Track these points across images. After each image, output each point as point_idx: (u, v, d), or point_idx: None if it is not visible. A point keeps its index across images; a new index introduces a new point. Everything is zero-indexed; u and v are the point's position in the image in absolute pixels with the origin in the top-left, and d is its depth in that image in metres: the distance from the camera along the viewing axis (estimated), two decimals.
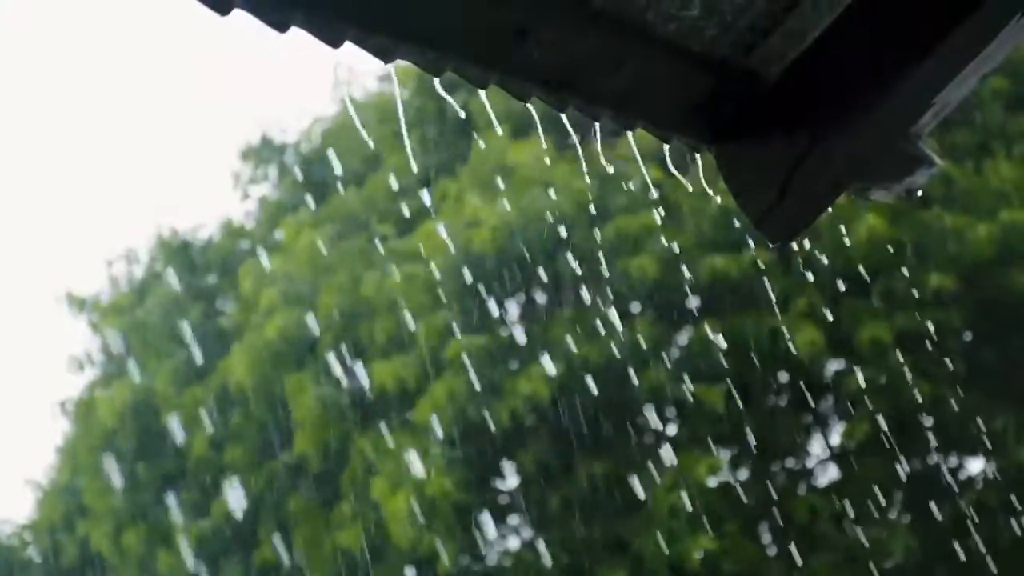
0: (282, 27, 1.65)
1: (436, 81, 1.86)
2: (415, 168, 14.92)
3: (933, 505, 12.81)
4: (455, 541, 13.08)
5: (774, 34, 2.23)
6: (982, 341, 13.17)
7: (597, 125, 2.23)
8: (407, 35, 1.78)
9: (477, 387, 12.40)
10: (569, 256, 12.81)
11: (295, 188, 16.46)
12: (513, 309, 13.87)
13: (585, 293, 12.88)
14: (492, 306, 13.15)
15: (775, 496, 13.17)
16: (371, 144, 15.52)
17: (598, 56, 2.04)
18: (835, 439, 13.64)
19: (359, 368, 13.46)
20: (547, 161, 13.21)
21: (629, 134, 2.33)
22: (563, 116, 2.16)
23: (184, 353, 15.82)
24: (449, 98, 13.28)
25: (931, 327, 12.41)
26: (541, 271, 12.83)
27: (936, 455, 13.39)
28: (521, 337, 13.24)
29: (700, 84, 2.23)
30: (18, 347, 29.63)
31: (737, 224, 11.44)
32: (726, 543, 12.33)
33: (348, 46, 1.75)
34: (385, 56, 1.78)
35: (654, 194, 13.40)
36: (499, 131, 13.52)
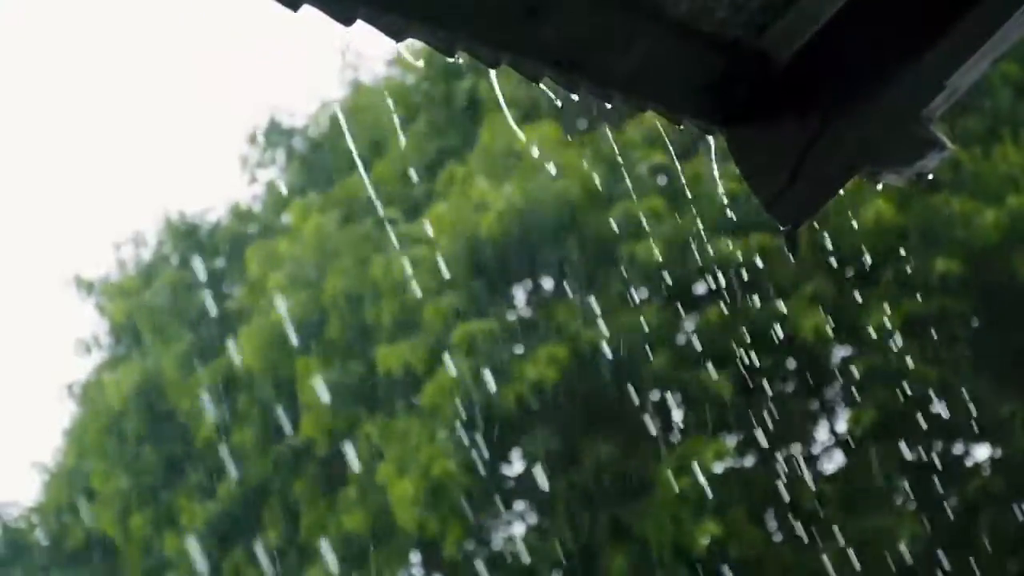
0: (294, 5, 1.65)
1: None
2: (423, 152, 14.90)
3: (939, 492, 12.81)
4: (460, 526, 13.09)
5: (786, 16, 2.23)
6: (989, 327, 13.15)
7: (607, 108, 2.23)
8: (419, 14, 1.77)
9: (484, 371, 12.41)
10: (576, 240, 12.80)
11: (303, 172, 16.46)
12: (520, 293, 13.88)
13: (592, 277, 12.88)
14: (499, 290, 13.15)
15: (781, 482, 13.17)
16: (379, 128, 15.51)
17: (609, 37, 2.03)
18: (841, 425, 13.63)
19: (366, 352, 13.48)
20: (556, 145, 13.20)
21: (640, 116, 2.33)
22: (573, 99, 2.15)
23: (191, 336, 15.84)
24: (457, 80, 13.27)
25: (938, 313, 12.40)
26: (548, 255, 12.83)
27: (942, 442, 13.38)
28: (528, 321, 13.25)
29: (711, 65, 2.23)
30: (26, 330, 29.66)
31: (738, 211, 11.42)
32: (732, 528, 12.33)
33: (359, 25, 1.74)
34: (397, 35, 1.77)
35: (661, 178, 13.38)
36: (508, 114, 13.51)
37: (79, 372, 20.08)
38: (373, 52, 16.99)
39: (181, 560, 15.19)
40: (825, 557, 12.49)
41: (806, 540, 12.62)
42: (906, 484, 13.24)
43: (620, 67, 2.09)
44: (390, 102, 15.75)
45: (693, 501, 12.14)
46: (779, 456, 13.65)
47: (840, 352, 13.37)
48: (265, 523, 14.79)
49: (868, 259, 12.38)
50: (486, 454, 13.04)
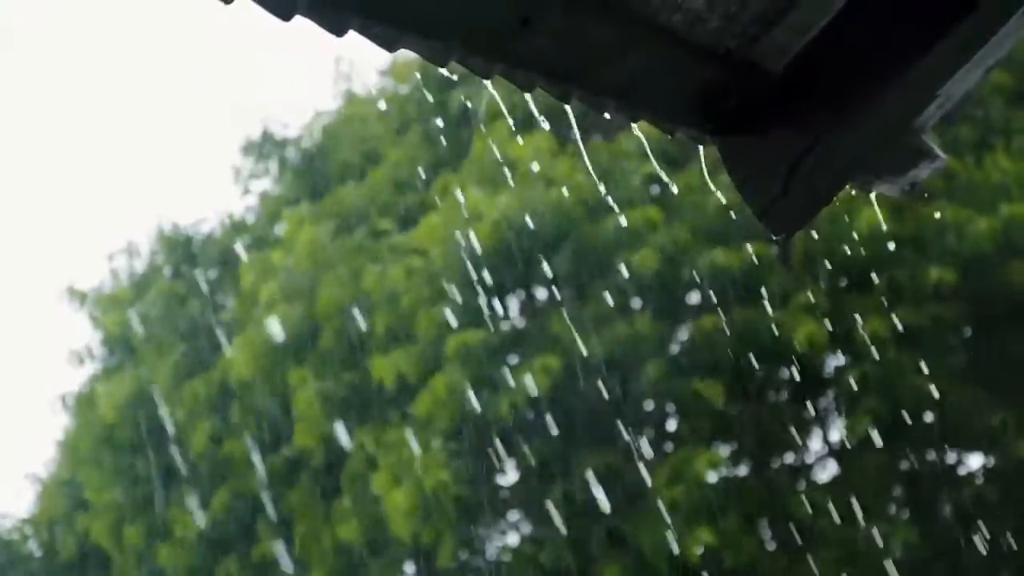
0: (286, 16, 1.65)
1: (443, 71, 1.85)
2: (416, 162, 14.91)
3: (933, 500, 12.81)
4: (455, 535, 13.08)
5: (779, 26, 2.23)
6: (982, 335, 13.16)
7: (601, 118, 2.23)
8: (411, 25, 1.77)
9: (477, 381, 12.41)
10: (570, 250, 12.81)
11: (296, 182, 16.46)
12: (513, 303, 13.88)
13: (585, 287, 12.88)
14: (493, 300, 13.14)
15: (775, 492, 13.17)
16: (372, 138, 15.53)
17: (602, 47, 2.03)
18: (835, 435, 13.64)
19: (360, 362, 13.47)
20: (548, 155, 13.21)
21: (631, 128, 2.33)
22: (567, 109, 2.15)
23: (184, 347, 15.82)
24: (452, 89, 13.28)
25: (931, 322, 12.41)
26: (542, 265, 12.83)
27: (936, 450, 13.39)
28: (521, 331, 13.25)
29: (705, 76, 2.23)
30: (19, 341, 29.63)
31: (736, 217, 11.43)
32: (726, 538, 12.32)
33: (352, 36, 1.74)
34: (389, 46, 1.77)
35: (654, 188, 13.39)
36: (501, 125, 13.52)
37: (72, 383, 20.05)
38: (367, 62, 17.04)
39: (175, 571, 15.16)
40: (819, 566, 12.49)
41: (800, 549, 12.62)
42: (900, 493, 13.25)
43: (613, 77, 2.09)
44: (383, 112, 15.76)
45: (687, 511, 12.13)
46: (773, 465, 13.65)
47: (833, 361, 13.37)
48: (259, 534, 14.77)
49: (861, 268, 12.39)
50: (480, 464, 13.04)
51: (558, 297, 13.19)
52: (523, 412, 12.48)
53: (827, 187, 2.36)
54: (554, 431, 12.67)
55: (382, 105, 15.86)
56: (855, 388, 12.52)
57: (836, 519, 12.53)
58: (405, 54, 1.85)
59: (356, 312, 13.50)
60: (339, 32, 1.72)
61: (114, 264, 17.46)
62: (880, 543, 12.28)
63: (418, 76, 14.96)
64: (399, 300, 13.19)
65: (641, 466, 12.54)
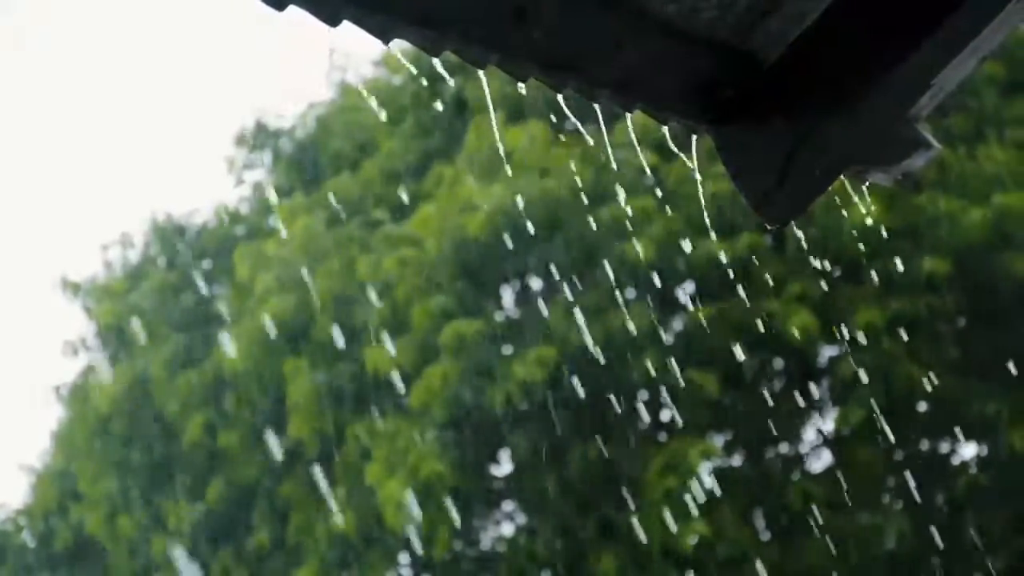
0: (280, 5, 1.65)
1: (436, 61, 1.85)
2: (410, 152, 14.90)
3: (926, 490, 12.83)
4: (449, 526, 13.08)
5: (773, 16, 2.23)
6: (975, 325, 13.17)
7: (596, 108, 2.23)
8: (406, 15, 1.77)
9: (472, 371, 12.40)
10: (564, 240, 12.80)
11: (290, 173, 16.44)
12: (508, 293, 13.88)
13: (580, 277, 12.88)
14: (487, 290, 13.14)
15: (769, 482, 13.19)
16: (366, 129, 15.52)
17: (597, 37, 2.03)
18: (829, 425, 13.65)
19: (354, 352, 13.46)
20: (544, 145, 13.19)
21: (627, 118, 2.33)
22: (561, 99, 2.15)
23: (178, 338, 15.81)
24: (448, 77, 13.26)
25: (925, 312, 12.42)
26: (536, 255, 12.82)
27: (929, 440, 13.41)
28: (516, 321, 13.25)
29: (699, 66, 2.23)
30: (13, 332, 29.62)
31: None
32: (720, 528, 12.33)
33: (346, 25, 1.74)
34: (384, 36, 1.77)
35: (648, 178, 13.38)
36: (496, 115, 13.51)
37: (67, 374, 20.04)
38: (361, 53, 17.02)
39: (169, 562, 15.16)
40: (812, 556, 12.51)
41: (794, 539, 12.64)
42: (893, 482, 13.26)
43: (608, 68, 2.09)
44: (377, 103, 15.75)
45: (681, 501, 12.14)
46: (767, 455, 13.66)
47: (827, 351, 13.38)
48: (254, 524, 14.77)
49: (855, 258, 12.39)
50: (475, 454, 13.04)
51: (553, 287, 13.19)
52: (518, 402, 12.47)
53: (821, 177, 2.36)
54: (548, 421, 12.68)
55: (375, 95, 15.85)
56: (849, 378, 12.53)
57: (830, 509, 12.55)
58: (399, 44, 1.85)
59: (350, 302, 13.50)
60: (333, 22, 1.72)
61: (108, 255, 17.46)
62: (874, 532, 12.31)
63: (412, 67, 14.95)
64: (394, 291, 13.18)
65: (635, 456, 12.55)
